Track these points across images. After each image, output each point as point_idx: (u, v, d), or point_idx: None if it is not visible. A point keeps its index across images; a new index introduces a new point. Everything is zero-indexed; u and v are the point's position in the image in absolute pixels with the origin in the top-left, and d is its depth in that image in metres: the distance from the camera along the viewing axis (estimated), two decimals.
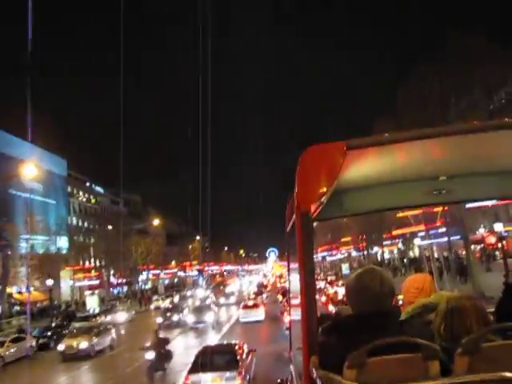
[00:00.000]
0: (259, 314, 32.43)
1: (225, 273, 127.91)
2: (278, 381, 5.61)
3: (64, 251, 50.61)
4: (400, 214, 26.77)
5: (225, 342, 18.88)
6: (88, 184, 74.09)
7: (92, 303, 49.47)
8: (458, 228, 29.03)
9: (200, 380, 13.20)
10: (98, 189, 77.90)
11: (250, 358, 15.41)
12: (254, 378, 15.03)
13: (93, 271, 57.01)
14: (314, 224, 2.92)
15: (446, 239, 32.20)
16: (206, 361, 14.01)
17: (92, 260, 54.56)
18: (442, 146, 2.48)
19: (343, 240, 53.92)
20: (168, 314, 35.58)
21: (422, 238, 32.59)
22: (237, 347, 15.49)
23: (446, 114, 24.59)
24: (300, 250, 2.47)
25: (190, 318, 33.03)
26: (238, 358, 14.43)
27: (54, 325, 33.13)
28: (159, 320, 33.84)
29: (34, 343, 27.14)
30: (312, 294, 2.47)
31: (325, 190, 2.35)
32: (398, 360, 1.99)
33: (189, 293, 63.85)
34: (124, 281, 62.57)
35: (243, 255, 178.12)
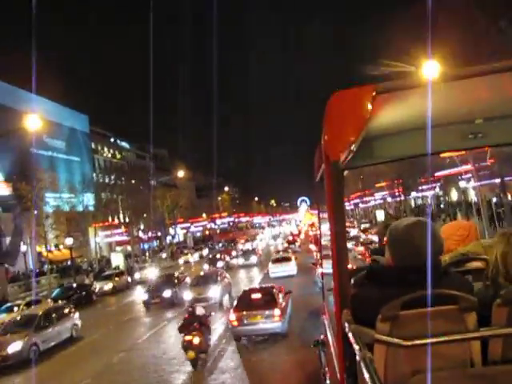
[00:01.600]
0: (291, 268, 29.77)
1: (253, 225, 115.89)
2: (314, 342, 5.56)
3: (91, 208, 49.95)
4: (444, 155, 23.90)
5: (264, 286, 19.89)
6: (112, 140, 72.95)
7: (117, 260, 47.95)
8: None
9: (243, 317, 14.93)
10: (124, 144, 76.84)
11: (286, 299, 16.86)
12: (290, 316, 16.47)
13: (122, 227, 56.51)
14: (345, 172, 2.94)
15: (498, 180, 29.02)
16: (248, 301, 15.84)
17: (120, 216, 53.72)
18: (476, 87, 2.30)
19: (378, 185, 51.03)
20: (152, 292, 25.08)
21: (468, 181, 29.41)
22: (274, 290, 16.78)
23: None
24: (329, 201, 2.45)
25: (187, 295, 23.00)
26: (276, 298, 15.85)
27: (75, 285, 32.18)
28: (145, 297, 25.00)
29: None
30: (343, 244, 2.46)
31: (354, 137, 2.23)
32: (433, 312, 1.92)
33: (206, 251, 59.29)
34: (153, 235, 62.08)
35: (274, 205, 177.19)
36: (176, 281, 26.46)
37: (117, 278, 35.43)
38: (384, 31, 23.00)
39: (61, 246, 46.90)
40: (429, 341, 1.82)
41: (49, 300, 27.04)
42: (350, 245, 39.35)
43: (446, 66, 20.95)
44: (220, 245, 59.02)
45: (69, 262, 48.18)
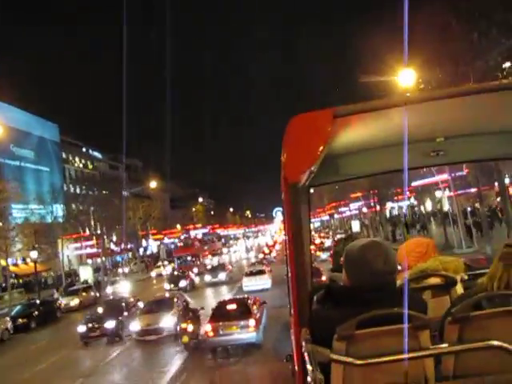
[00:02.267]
0: (265, 282, 28.37)
1: (220, 237, 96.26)
2: (287, 357, 5.39)
3: (60, 220, 48.25)
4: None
5: (238, 297, 20.22)
6: (84, 149, 71.33)
7: (86, 274, 44.77)
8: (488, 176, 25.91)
9: (219, 327, 15.15)
10: (96, 154, 75.26)
11: (261, 309, 17.16)
12: (265, 326, 16.61)
13: (93, 239, 54.80)
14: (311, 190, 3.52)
15: (474, 190, 28.87)
16: (223, 311, 16.06)
17: (92, 227, 52.07)
18: (437, 109, 2.39)
19: (354, 196, 50.96)
20: (91, 324, 20.16)
21: (444, 190, 29.24)
22: (249, 301, 17.03)
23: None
24: (288, 222, 2.46)
25: (134, 326, 19.19)
26: (251, 309, 16.12)
27: (38, 302, 29.74)
28: (82, 329, 19.99)
29: (9, 325, 24.31)
30: (302, 264, 2.46)
31: (312, 160, 2.27)
32: (388, 331, 1.97)
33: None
34: (125, 247, 60.37)
35: (249, 216, 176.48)
36: (125, 306, 21.95)
37: (84, 293, 33.45)
38: (361, 40, 22.81)
39: (28, 259, 45.01)
40: (382, 359, 1.88)
41: (7, 318, 25.25)
42: (325, 256, 39.73)
43: (422, 72, 21.08)
44: (178, 261, 49.31)
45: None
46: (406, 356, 1.88)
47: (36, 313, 26.71)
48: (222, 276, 36.59)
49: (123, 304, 22.34)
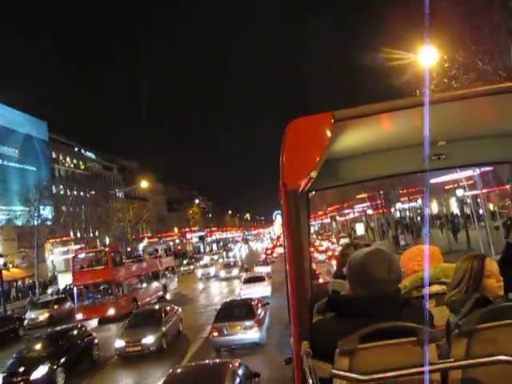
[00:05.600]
0: (265, 289, 26.26)
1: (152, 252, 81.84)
2: (286, 360, 5.18)
3: (49, 222, 45.31)
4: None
5: (242, 298, 20.77)
6: (77, 149, 68.58)
7: (66, 281, 38.23)
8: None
9: (224, 327, 15.54)
10: (89, 154, 72.58)
11: (264, 310, 17.52)
12: (268, 327, 16.99)
13: (81, 243, 51.83)
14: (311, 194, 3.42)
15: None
16: (227, 313, 16.52)
17: (78, 231, 49.25)
18: (438, 112, 2.29)
19: (359, 196, 47.89)
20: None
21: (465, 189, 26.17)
22: (253, 302, 17.34)
23: None
24: (287, 230, 2.40)
25: (118, 343, 16.79)
26: (254, 310, 16.51)
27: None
28: (119, 344, 16.66)
29: None
30: (302, 275, 2.40)
31: (312, 165, 2.25)
32: (393, 345, 1.93)
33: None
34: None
35: (249, 219, 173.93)
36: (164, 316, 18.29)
37: (56, 306, 27.69)
38: (382, 17, 20.22)
39: (10, 265, 41.95)
40: (387, 374, 1.82)
41: None
42: (322, 257, 40.27)
43: (444, 51, 18.45)
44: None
45: (19, 283, 43.51)
46: (412, 371, 1.82)
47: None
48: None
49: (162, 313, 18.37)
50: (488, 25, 16.82)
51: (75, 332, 16.89)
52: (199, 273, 46.25)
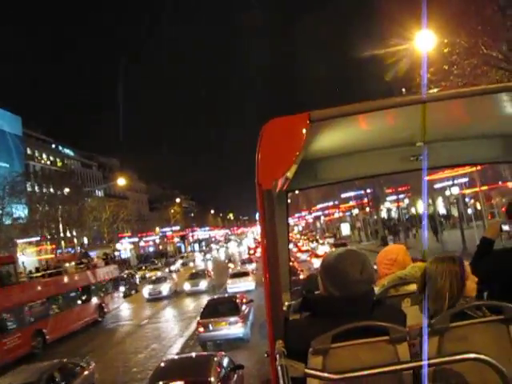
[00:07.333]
0: (249, 283, 28.75)
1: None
2: (267, 352, 4.23)
3: (21, 221, 43.02)
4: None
5: (227, 295, 21.74)
6: (54, 146, 66.27)
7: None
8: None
9: (209, 323, 16.13)
10: (67, 151, 70.32)
11: (248, 307, 17.98)
12: (252, 323, 17.34)
13: (62, 242, 49.60)
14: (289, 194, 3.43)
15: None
16: (213, 309, 17.08)
17: (53, 229, 47.05)
18: (416, 113, 2.31)
19: (344, 196, 46.64)
20: None
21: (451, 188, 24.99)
22: (237, 299, 17.86)
23: None
24: (262, 229, 2.33)
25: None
26: (239, 306, 17.05)
27: None
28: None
29: None
30: (277, 275, 2.33)
31: (288, 164, 2.22)
32: (365, 344, 1.94)
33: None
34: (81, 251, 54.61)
35: (232, 219, 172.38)
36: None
37: None
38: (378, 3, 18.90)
39: None
40: (359, 373, 1.82)
41: None
42: (304, 256, 41.11)
43: (443, 35, 17.20)
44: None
45: None
46: (383, 369, 1.84)
47: None
48: None
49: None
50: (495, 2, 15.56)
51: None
52: (145, 292, 33.21)
